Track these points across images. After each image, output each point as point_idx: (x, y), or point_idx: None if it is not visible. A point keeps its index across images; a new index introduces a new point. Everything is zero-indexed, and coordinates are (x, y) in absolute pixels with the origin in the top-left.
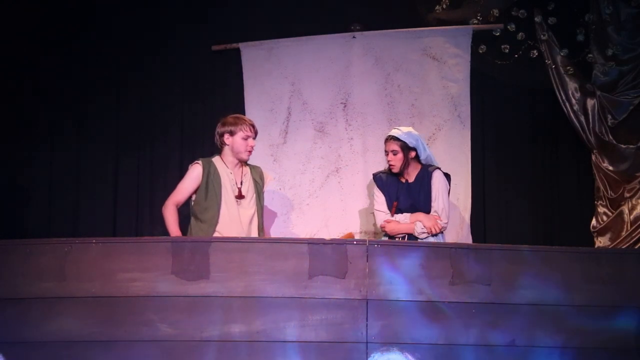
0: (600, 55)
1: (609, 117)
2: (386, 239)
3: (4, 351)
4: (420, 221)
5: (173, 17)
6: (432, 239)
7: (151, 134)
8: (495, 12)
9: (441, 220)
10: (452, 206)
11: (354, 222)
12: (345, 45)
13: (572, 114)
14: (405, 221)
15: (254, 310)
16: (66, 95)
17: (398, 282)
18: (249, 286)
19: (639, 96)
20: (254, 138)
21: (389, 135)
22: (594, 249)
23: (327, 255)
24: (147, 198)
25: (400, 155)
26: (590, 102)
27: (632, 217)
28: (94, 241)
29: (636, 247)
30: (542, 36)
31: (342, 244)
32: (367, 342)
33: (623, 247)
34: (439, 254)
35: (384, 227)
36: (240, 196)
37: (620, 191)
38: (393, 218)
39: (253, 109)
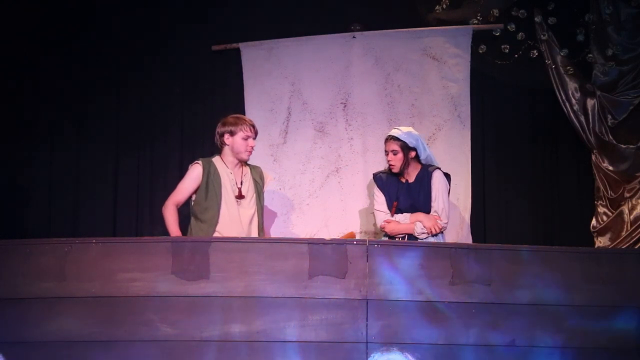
0: (600, 55)
1: (609, 117)
2: (386, 239)
3: (4, 351)
4: (420, 221)
5: (173, 17)
6: (432, 239)
7: (151, 134)
8: (495, 12)
9: (441, 220)
10: (452, 206)
11: (354, 222)
12: (345, 45)
13: (572, 114)
14: (405, 221)
15: (254, 310)
16: (66, 95)
17: (398, 282)
18: (249, 286)
19: (639, 96)
20: (254, 138)
21: (389, 135)
22: (594, 249)
23: (327, 255)
24: (147, 198)
25: (400, 155)
26: (590, 102)
27: (632, 217)
28: (94, 241)
29: (636, 247)
30: (542, 36)
31: (342, 244)
32: (367, 342)
33: (623, 247)
34: (439, 254)
35: (383, 227)
36: (240, 196)
37: (620, 191)
38: (393, 218)
39: (253, 109)
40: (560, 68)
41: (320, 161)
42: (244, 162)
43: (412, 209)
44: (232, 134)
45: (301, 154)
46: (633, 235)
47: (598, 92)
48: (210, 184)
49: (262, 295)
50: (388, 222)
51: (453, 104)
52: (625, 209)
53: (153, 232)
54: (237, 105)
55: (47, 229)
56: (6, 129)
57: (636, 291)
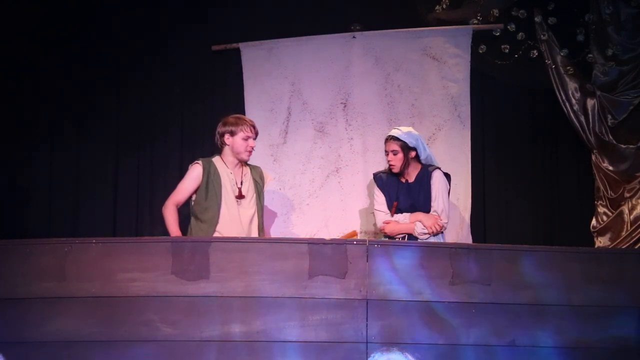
0: (600, 55)
1: (609, 117)
2: (386, 239)
3: (4, 351)
4: (420, 221)
5: (173, 17)
6: (432, 239)
7: (151, 134)
8: (495, 12)
9: (441, 220)
10: (452, 206)
11: (354, 222)
12: (345, 45)
13: (572, 114)
14: (404, 221)
15: (254, 310)
16: (66, 95)
17: (398, 282)
18: (249, 286)
19: (639, 96)
20: (255, 138)
21: (389, 135)
22: (594, 249)
23: (327, 255)
24: (147, 198)
25: (400, 155)
26: (590, 102)
27: (632, 217)
28: (94, 241)
29: (636, 247)
30: (542, 36)
31: (342, 244)
32: (367, 342)
33: (623, 247)
34: (439, 254)
35: (383, 228)
36: (240, 196)
37: (620, 191)
38: (393, 218)
39: (253, 109)
40: (560, 68)
41: (320, 161)
42: (244, 162)
43: (412, 209)
44: (232, 134)
45: (301, 154)
46: (633, 235)
47: (598, 92)
48: (210, 184)
49: (262, 295)
50: (387, 222)
51: (453, 104)
52: (625, 209)
53: (153, 232)
54: (237, 105)
55: (47, 229)
56: (6, 129)
57: (636, 291)
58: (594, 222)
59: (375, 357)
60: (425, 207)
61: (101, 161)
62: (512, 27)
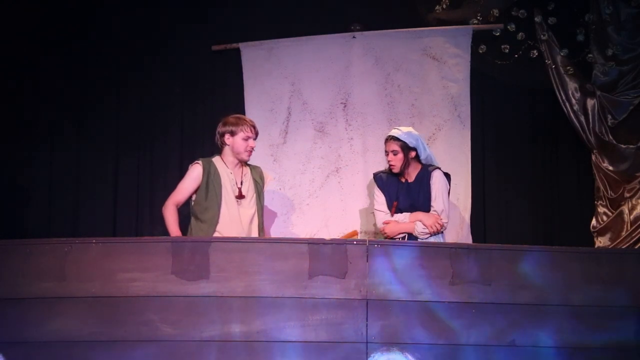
0: (600, 55)
1: (609, 117)
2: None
3: (4, 351)
4: (420, 220)
5: (173, 17)
6: (432, 239)
7: (151, 134)
8: (495, 12)
9: (441, 219)
10: (452, 206)
11: (354, 222)
12: (345, 45)
13: (572, 114)
14: (404, 221)
15: (254, 310)
16: (66, 95)
17: (398, 282)
18: (249, 286)
19: (639, 96)
20: (255, 139)
21: (389, 136)
22: (594, 249)
23: (327, 255)
24: (147, 198)
25: (400, 155)
26: (590, 102)
27: (632, 217)
28: (94, 241)
29: (636, 247)
30: (542, 36)
31: (342, 244)
32: (367, 342)
33: (623, 247)
34: (439, 254)
35: (383, 229)
36: (240, 196)
37: (620, 191)
38: (392, 218)
39: (253, 109)
40: (560, 68)
41: (320, 161)
42: (244, 162)
43: (411, 209)
44: (232, 134)
45: (301, 154)
46: (633, 235)
47: (598, 92)
48: (210, 184)
49: (262, 295)
50: (387, 223)
51: (453, 104)
52: (625, 209)
53: (153, 232)
54: (237, 105)
55: (47, 229)
56: (6, 129)
57: (636, 291)
58: (594, 222)
59: (375, 357)
60: (425, 207)
61: (101, 161)
62: (512, 27)
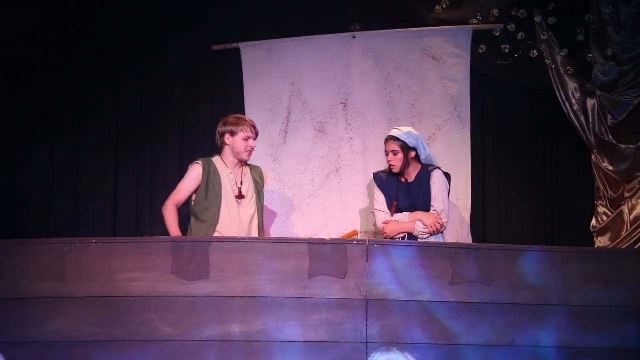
0: (600, 55)
1: (609, 117)
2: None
3: (4, 351)
4: (420, 220)
5: (173, 17)
6: (432, 239)
7: (151, 134)
8: (495, 12)
9: (441, 218)
10: (452, 206)
11: (354, 222)
12: (345, 45)
13: (572, 114)
14: (404, 220)
15: (254, 310)
16: (66, 95)
17: (398, 282)
18: (249, 286)
19: (639, 96)
20: (255, 139)
21: (389, 136)
22: (594, 249)
23: (327, 255)
24: (147, 198)
25: (400, 156)
26: (590, 102)
27: (632, 217)
28: (94, 241)
29: (636, 247)
30: (542, 36)
31: (342, 244)
32: (367, 342)
33: (623, 247)
34: (439, 254)
35: (383, 229)
36: (240, 196)
37: (620, 191)
38: (392, 218)
39: (253, 109)
40: (560, 68)
41: (320, 161)
42: (244, 162)
43: (411, 209)
44: (232, 134)
45: (301, 154)
46: (633, 235)
47: (598, 92)
48: (210, 184)
49: (262, 295)
50: (387, 223)
51: (453, 104)
52: (625, 209)
53: (153, 232)
54: (237, 105)
55: (47, 229)
56: (6, 129)
57: (636, 291)
58: (594, 222)
59: (375, 357)
60: (425, 207)
61: (101, 161)
62: (512, 27)
